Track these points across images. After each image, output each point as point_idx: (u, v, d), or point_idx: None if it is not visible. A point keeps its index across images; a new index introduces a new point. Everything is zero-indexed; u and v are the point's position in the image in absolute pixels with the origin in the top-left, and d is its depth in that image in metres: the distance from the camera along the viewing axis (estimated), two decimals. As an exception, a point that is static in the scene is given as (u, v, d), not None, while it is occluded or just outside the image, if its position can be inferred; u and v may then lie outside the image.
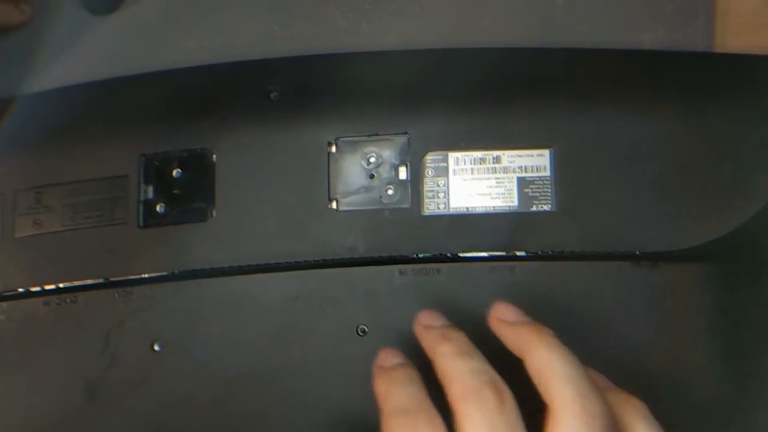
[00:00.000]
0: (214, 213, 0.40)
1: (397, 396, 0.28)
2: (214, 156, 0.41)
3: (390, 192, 0.40)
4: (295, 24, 0.42)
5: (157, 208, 0.41)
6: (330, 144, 0.40)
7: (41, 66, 0.43)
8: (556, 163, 0.39)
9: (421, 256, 0.39)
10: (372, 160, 0.40)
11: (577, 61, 0.40)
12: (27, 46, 0.44)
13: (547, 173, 0.39)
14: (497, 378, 0.27)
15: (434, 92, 0.40)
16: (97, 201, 0.41)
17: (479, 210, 0.39)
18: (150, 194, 0.41)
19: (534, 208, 0.39)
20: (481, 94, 0.40)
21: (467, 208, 0.39)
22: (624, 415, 0.27)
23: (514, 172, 0.39)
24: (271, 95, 0.41)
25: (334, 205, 0.40)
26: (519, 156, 0.39)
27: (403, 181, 0.40)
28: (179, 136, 0.41)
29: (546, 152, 0.39)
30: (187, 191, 0.41)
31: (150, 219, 0.41)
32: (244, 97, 0.41)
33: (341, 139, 0.40)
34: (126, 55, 0.43)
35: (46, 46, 0.43)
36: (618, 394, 0.28)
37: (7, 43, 0.43)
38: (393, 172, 0.40)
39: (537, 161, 0.39)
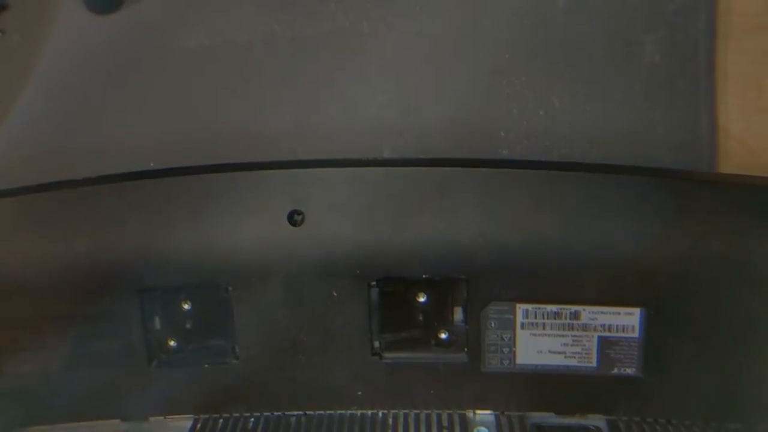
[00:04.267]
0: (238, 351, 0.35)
1: None
2: (229, 288, 0.34)
3: (443, 337, 0.34)
4: (296, 24, 0.37)
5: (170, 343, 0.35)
6: (372, 285, 0.33)
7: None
8: (647, 324, 0.32)
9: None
10: (422, 304, 0.34)
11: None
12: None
13: (635, 334, 0.32)
14: None
15: (500, 235, 0.32)
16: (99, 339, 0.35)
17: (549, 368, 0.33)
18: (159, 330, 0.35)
19: (616, 371, 0.33)
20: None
21: (536, 366, 0.33)
22: None
23: (595, 330, 0.33)
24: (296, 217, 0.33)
25: (377, 353, 0.34)
26: (602, 313, 0.32)
27: (459, 328, 0.34)
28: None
29: (636, 311, 0.32)
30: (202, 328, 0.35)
31: (162, 355, 0.35)
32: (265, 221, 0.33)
33: (385, 280, 0.33)
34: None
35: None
36: None
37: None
38: (447, 319, 0.34)
39: (624, 320, 0.32)
